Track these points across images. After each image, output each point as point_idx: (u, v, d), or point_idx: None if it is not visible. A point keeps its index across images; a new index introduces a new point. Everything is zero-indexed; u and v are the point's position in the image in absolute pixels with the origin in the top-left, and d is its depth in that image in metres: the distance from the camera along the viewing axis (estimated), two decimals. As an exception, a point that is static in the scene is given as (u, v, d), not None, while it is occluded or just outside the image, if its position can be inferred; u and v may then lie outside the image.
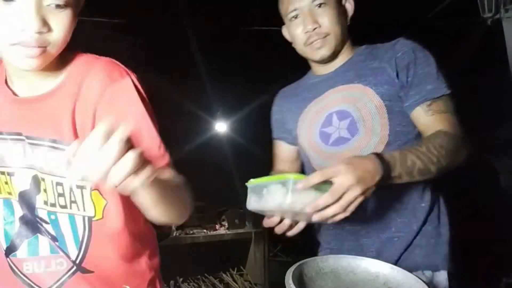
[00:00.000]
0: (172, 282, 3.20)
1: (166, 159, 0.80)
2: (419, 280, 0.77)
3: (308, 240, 1.27)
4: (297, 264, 0.77)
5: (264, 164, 1.32)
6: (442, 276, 1.08)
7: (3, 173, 0.80)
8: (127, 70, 0.80)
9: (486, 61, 4.29)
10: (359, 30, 1.23)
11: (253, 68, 3.31)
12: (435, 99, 1.05)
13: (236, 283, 3.40)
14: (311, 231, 1.21)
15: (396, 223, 1.08)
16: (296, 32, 1.13)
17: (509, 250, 3.60)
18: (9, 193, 0.81)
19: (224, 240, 3.30)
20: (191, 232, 3.27)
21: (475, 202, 4.36)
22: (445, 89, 1.07)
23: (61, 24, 0.67)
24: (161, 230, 2.96)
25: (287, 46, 1.25)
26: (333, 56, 1.16)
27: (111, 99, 0.75)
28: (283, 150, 1.31)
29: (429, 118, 1.04)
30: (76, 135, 0.75)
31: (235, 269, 3.53)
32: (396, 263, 1.06)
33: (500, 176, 5.05)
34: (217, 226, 3.40)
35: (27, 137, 0.76)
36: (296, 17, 1.12)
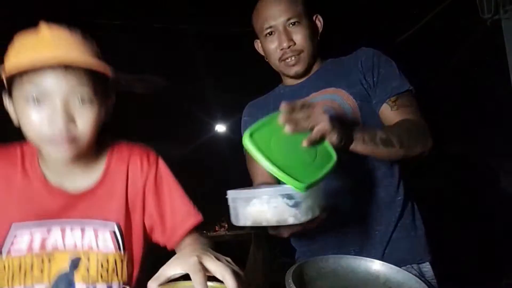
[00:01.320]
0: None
1: (199, 217, 0.92)
2: (419, 280, 0.77)
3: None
4: (297, 264, 0.77)
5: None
6: (427, 267, 1.11)
7: (40, 258, 0.81)
8: (154, 152, 0.96)
9: (486, 62, 4.29)
10: (329, 48, 1.29)
11: (252, 69, 3.30)
12: (399, 95, 1.10)
13: (236, 284, 3.39)
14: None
15: (376, 217, 1.10)
16: (271, 49, 1.17)
17: (509, 250, 3.60)
18: (39, 280, 0.81)
19: (224, 241, 3.30)
20: (191, 233, 3.26)
21: (475, 202, 4.36)
22: (408, 85, 1.11)
23: (85, 118, 0.76)
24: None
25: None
26: (306, 71, 1.21)
27: (154, 179, 0.91)
28: None
29: (394, 112, 1.09)
30: (127, 212, 0.88)
31: (235, 270, 3.52)
32: (382, 257, 1.07)
33: (500, 176, 5.05)
34: (217, 227, 3.40)
35: (75, 222, 0.84)
36: (271, 33, 1.16)
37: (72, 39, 0.78)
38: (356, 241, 1.10)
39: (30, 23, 0.81)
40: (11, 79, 0.75)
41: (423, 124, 1.07)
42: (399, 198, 1.13)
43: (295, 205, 0.73)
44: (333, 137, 0.85)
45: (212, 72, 4.75)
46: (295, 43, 1.14)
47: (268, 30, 1.16)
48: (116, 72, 0.82)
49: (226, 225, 3.43)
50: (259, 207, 0.74)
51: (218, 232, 3.36)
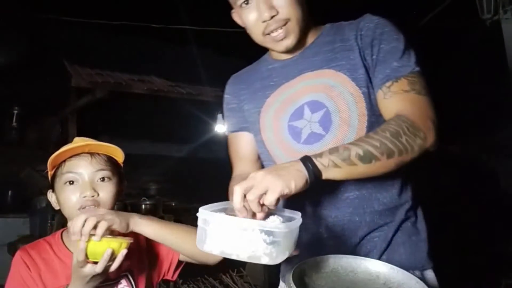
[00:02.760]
0: (171, 283, 3.19)
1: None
2: (419, 280, 0.77)
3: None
4: (298, 264, 0.77)
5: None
6: (430, 275, 0.99)
7: None
8: None
9: (485, 62, 4.30)
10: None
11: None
12: (397, 78, 0.91)
13: (236, 284, 3.39)
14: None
15: (377, 223, 0.98)
16: (251, 21, 0.94)
17: (509, 250, 3.60)
18: None
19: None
20: (191, 233, 3.24)
21: (475, 202, 4.36)
22: (412, 66, 0.92)
23: (105, 191, 1.03)
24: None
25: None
26: (299, 43, 0.99)
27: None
28: (247, 144, 1.13)
29: (387, 101, 0.91)
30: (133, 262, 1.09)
31: (235, 270, 3.52)
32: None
33: (500, 176, 5.06)
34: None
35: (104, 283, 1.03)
36: (247, 2, 0.93)
37: (93, 140, 1.07)
38: (351, 248, 0.98)
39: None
40: (54, 176, 1.05)
41: (420, 114, 0.88)
42: (405, 200, 1.00)
43: (273, 243, 0.65)
44: (291, 188, 0.73)
45: (212, 71, 4.76)
46: (278, 12, 0.91)
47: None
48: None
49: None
50: (231, 237, 0.66)
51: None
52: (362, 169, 0.80)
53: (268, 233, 0.65)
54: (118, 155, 1.09)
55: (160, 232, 1.02)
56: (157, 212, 3.77)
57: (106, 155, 1.07)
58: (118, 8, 4.43)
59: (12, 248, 3.38)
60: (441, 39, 4.53)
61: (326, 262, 0.81)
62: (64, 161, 1.04)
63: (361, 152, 0.79)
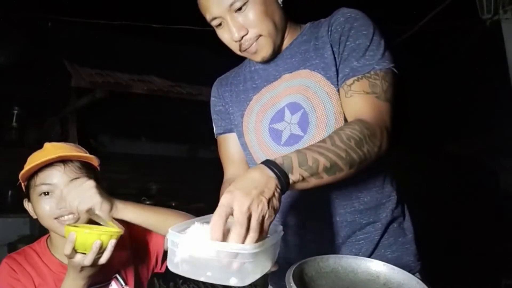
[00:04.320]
0: (172, 283, 3.19)
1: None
2: (420, 281, 0.76)
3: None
4: (298, 263, 0.76)
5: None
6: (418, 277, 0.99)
7: None
8: None
9: (485, 62, 4.30)
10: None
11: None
12: (360, 78, 0.90)
13: (236, 284, 3.39)
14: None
15: (360, 225, 0.98)
16: (226, 40, 0.99)
17: (509, 250, 3.60)
18: None
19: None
20: (191, 233, 3.24)
21: (475, 202, 4.37)
22: (374, 65, 0.89)
23: None
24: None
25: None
26: (276, 50, 1.01)
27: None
28: (237, 145, 1.14)
29: (348, 100, 0.90)
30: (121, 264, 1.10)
31: (235, 270, 3.52)
32: None
33: (500, 176, 5.06)
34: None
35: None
36: (220, 24, 0.96)
37: (66, 145, 1.06)
38: (336, 249, 0.97)
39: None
40: (28, 186, 1.03)
41: (378, 121, 0.86)
42: (388, 199, 0.99)
43: (242, 265, 0.63)
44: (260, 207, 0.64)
45: (212, 71, 4.75)
46: (248, 31, 0.94)
47: (215, 22, 0.96)
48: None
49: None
50: (200, 259, 0.64)
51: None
52: (325, 181, 0.77)
53: (237, 255, 0.63)
54: (93, 160, 1.06)
55: (144, 215, 0.97)
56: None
57: (79, 161, 1.03)
58: (118, 8, 4.43)
59: (12, 248, 3.38)
60: (441, 39, 4.53)
61: (326, 262, 0.81)
62: (37, 171, 1.00)
63: (328, 165, 0.75)
